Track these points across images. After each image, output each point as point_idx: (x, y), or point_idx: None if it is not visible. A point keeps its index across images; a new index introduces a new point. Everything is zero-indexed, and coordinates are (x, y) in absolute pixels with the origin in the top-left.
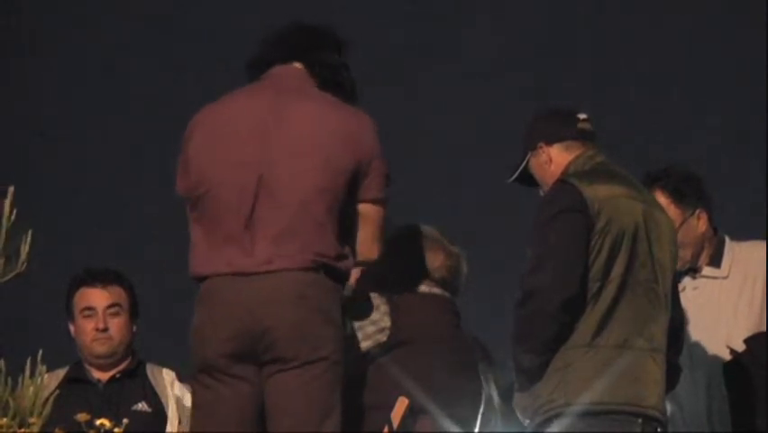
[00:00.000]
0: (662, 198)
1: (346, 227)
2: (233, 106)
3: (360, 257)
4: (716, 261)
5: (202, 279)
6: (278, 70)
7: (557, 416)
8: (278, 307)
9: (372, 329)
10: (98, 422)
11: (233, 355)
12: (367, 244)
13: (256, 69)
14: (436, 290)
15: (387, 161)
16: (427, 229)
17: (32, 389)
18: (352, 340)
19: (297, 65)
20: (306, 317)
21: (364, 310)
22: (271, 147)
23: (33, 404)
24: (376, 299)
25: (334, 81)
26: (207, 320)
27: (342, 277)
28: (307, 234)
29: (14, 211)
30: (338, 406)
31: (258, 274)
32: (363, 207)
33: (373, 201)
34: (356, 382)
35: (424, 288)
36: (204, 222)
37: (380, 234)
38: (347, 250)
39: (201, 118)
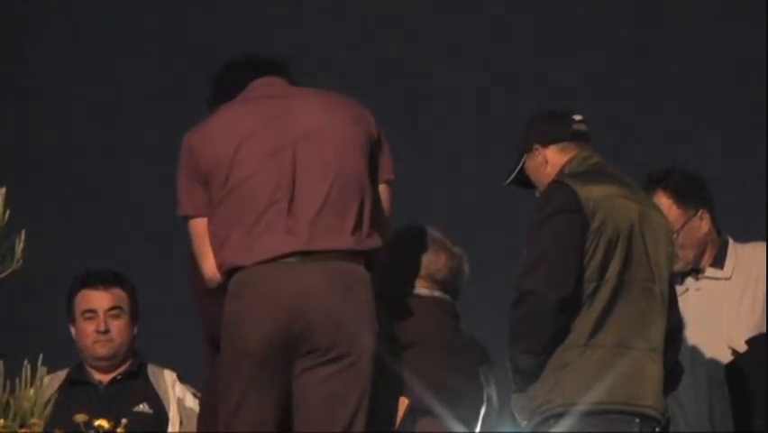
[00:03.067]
0: (663, 200)
1: (373, 210)
2: (235, 113)
3: None
4: (719, 262)
5: (235, 270)
6: (259, 82)
7: (555, 416)
8: (319, 297)
9: None
10: (97, 423)
11: (271, 347)
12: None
13: (227, 91)
14: (437, 293)
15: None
16: (430, 230)
17: (32, 390)
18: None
19: (275, 77)
20: (347, 310)
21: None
22: (295, 135)
23: (34, 405)
24: (377, 303)
25: None
26: (245, 310)
27: (371, 262)
28: (348, 219)
29: (8, 212)
30: (367, 404)
31: (301, 255)
32: (380, 189)
33: (386, 182)
34: None
35: (425, 290)
36: (236, 215)
37: (389, 220)
38: (377, 233)
39: (202, 133)
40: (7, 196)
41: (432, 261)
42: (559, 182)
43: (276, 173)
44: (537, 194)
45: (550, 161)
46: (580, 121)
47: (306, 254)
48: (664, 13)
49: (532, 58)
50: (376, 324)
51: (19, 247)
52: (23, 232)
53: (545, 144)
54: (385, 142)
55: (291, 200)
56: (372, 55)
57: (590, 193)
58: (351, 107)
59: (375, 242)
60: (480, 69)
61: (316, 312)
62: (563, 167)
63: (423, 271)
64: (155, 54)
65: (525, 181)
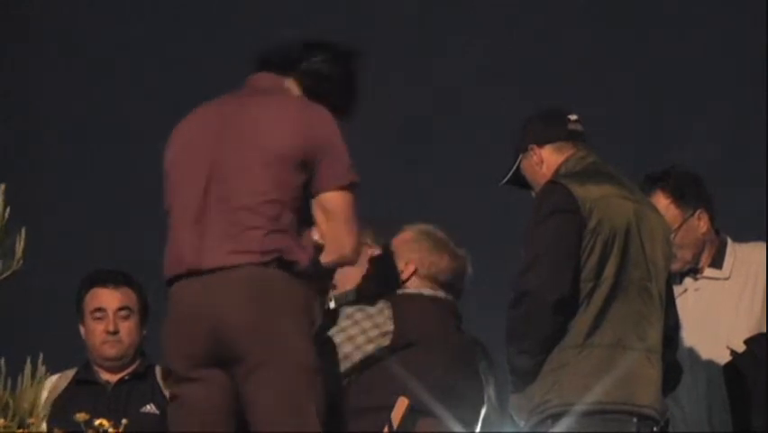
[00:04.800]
0: (662, 199)
1: (304, 219)
2: (202, 113)
3: (331, 256)
4: (717, 262)
5: (168, 284)
6: (253, 77)
7: (552, 416)
8: (229, 307)
9: (376, 333)
10: (97, 422)
11: (192, 358)
12: (337, 241)
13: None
14: (440, 294)
15: (347, 151)
16: (434, 231)
17: (31, 390)
18: (326, 344)
19: (275, 74)
20: (257, 316)
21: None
22: (223, 143)
23: (33, 405)
24: (380, 302)
25: (317, 91)
26: (167, 326)
27: (300, 270)
28: (257, 228)
29: (8, 209)
30: (308, 405)
31: (209, 273)
32: (326, 198)
33: (337, 189)
34: (357, 383)
35: (428, 291)
36: (171, 226)
37: (349, 226)
38: (305, 242)
39: (176, 129)
40: (6, 192)
41: (435, 262)
42: (555, 182)
43: (194, 189)
44: (533, 194)
45: (546, 160)
46: (575, 120)
47: (213, 270)
48: (664, 11)
49: (532, 56)
50: (302, 324)
51: (19, 247)
52: (24, 230)
53: (541, 144)
54: (337, 148)
55: (204, 214)
56: (372, 54)
57: (587, 193)
58: (296, 114)
59: (299, 254)
60: (481, 69)
61: (226, 325)
62: (559, 167)
63: (426, 272)
64: (156, 53)
65: (521, 181)
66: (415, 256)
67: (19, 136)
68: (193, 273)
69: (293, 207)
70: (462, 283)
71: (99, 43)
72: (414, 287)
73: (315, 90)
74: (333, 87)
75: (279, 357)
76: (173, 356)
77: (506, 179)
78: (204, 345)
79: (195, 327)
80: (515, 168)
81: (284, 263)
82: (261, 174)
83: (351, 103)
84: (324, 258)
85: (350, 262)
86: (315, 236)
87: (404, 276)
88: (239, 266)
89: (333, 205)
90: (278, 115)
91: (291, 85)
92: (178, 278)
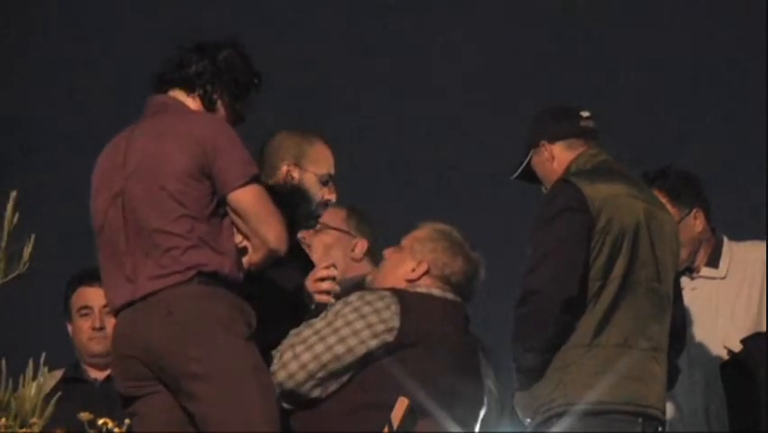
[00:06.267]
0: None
1: (220, 228)
2: (108, 149)
3: (258, 252)
4: (714, 261)
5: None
6: (148, 101)
7: (557, 415)
8: (149, 331)
9: (381, 328)
10: (100, 422)
11: (139, 378)
12: (257, 237)
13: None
14: (449, 295)
15: (240, 148)
16: (450, 230)
17: (33, 390)
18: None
19: (163, 92)
20: (173, 334)
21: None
22: (125, 174)
23: (35, 405)
24: (387, 297)
25: (202, 93)
26: (112, 356)
27: (224, 277)
28: (174, 247)
29: (17, 214)
30: (246, 408)
31: (141, 300)
32: (232, 200)
33: (238, 188)
34: (358, 380)
35: (437, 291)
36: (102, 261)
37: (264, 219)
38: (226, 249)
39: (95, 169)
40: (17, 199)
41: (448, 263)
42: (565, 180)
43: (114, 224)
44: (543, 190)
45: (556, 157)
46: (587, 117)
47: (144, 298)
48: (665, 11)
49: (534, 54)
50: (228, 332)
51: (27, 252)
52: (33, 237)
53: (552, 140)
54: (227, 149)
55: (128, 246)
56: (373, 51)
57: (596, 192)
58: (181, 129)
59: (219, 263)
60: (484, 65)
61: (149, 350)
62: (570, 164)
63: (438, 272)
64: (159, 53)
65: (531, 177)
66: (429, 256)
67: (22, 138)
68: (130, 304)
69: (203, 217)
70: (474, 286)
71: (102, 49)
72: (424, 286)
73: (200, 94)
74: (214, 84)
75: (205, 369)
76: (122, 383)
77: (516, 173)
78: (144, 369)
79: (130, 354)
80: (525, 163)
81: (206, 276)
82: (162, 195)
83: (239, 91)
84: (253, 257)
85: (278, 252)
86: (238, 239)
87: (415, 275)
88: (164, 289)
89: (240, 205)
90: (165, 134)
91: (180, 96)
92: (120, 309)
